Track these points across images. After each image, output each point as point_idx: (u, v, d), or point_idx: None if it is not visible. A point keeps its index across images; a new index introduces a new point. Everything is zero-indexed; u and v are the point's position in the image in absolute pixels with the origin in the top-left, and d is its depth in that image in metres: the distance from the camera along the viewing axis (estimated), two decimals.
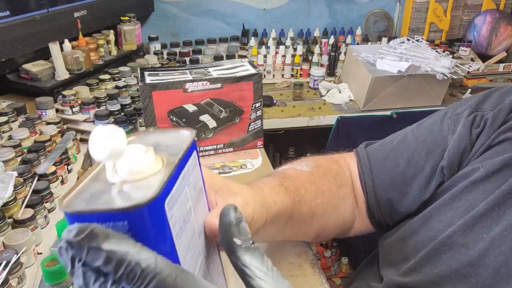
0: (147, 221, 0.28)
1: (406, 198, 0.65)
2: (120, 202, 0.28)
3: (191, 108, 0.99)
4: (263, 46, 1.78)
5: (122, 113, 1.12)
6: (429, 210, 0.59)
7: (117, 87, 1.18)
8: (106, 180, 0.30)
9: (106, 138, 0.28)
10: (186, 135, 0.35)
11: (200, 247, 0.36)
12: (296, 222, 0.63)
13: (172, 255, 0.31)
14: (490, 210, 0.51)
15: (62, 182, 0.87)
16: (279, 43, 1.83)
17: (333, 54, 1.75)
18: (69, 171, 0.91)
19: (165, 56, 1.57)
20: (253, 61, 1.68)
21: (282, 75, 1.77)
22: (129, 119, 1.11)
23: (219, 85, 0.98)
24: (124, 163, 0.30)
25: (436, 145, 0.63)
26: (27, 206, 0.73)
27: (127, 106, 1.14)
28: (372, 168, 0.69)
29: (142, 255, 0.26)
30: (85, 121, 1.06)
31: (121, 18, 1.45)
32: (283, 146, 1.91)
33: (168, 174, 0.30)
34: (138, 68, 1.05)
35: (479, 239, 0.51)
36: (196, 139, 0.39)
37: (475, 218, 0.52)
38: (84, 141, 1.06)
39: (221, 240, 0.33)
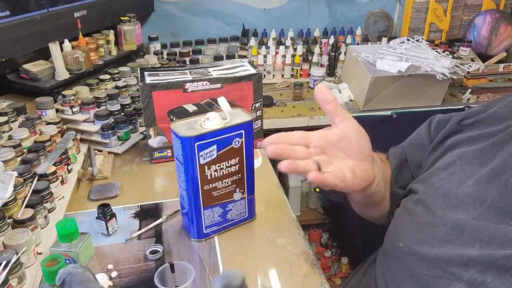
0: (252, 127, 0.70)
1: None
2: (241, 119, 0.70)
3: (191, 108, 0.99)
4: (263, 46, 1.78)
5: (122, 113, 1.12)
6: None
7: (117, 87, 1.17)
8: (219, 119, 0.68)
9: (227, 104, 0.71)
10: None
11: None
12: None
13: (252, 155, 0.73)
14: None
15: (62, 182, 0.87)
16: (279, 43, 1.83)
17: (333, 54, 1.75)
18: (69, 171, 0.91)
19: (165, 56, 1.57)
20: (253, 61, 1.68)
21: (282, 75, 1.77)
22: (129, 119, 1.11)
23: (219, 85, 0.98)
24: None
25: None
26: (27, 206, 0.73)
27: (127, 106, 1.14)
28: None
29: None
30: (85, 121, 1.06)
31: (121, 18, 1.45)
32: None
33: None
34: (138, 68, 1.05)
35: None
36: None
37: None
38: (84, 141, 1.06)
39: None
